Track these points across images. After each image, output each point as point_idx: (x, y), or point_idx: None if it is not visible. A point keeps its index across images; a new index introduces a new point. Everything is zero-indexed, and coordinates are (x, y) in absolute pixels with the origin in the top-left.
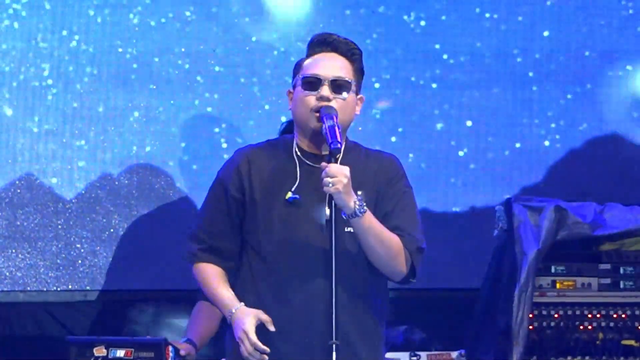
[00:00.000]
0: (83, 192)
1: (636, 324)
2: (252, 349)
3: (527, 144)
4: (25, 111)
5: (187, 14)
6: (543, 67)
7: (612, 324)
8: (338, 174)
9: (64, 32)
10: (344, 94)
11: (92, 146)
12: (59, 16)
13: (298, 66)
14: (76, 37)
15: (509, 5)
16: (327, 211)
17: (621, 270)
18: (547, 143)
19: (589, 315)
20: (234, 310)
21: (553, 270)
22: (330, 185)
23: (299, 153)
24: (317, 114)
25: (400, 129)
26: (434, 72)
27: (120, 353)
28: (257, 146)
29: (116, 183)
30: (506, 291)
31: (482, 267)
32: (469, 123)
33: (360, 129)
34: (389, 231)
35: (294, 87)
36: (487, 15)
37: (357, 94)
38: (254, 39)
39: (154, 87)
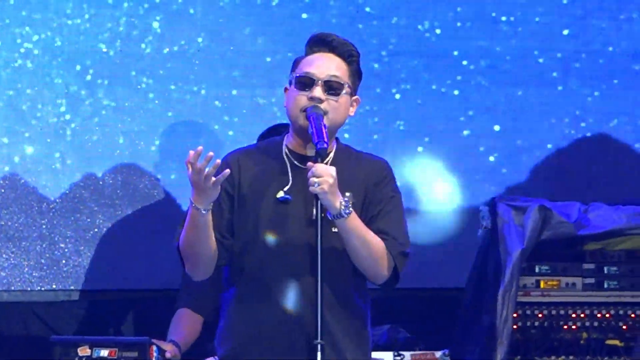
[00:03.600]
0: (67, 192)
1: (620, 323)
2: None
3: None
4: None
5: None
6: (567, 66)
7: (596, 324)
8: (324, 174)
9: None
10: (337, 95)
11: (76, 146)
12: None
13: (295, 63)
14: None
15: (524, 7)
16: (314, 211)
17: (605, 270)
18: (550, 145)
19: (573, 315)
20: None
21: (537, 269)
22: (316, 185)
23: (288, 154)
24: (305, 113)
25: (426, 139)
26: (454, 78)
27: (104, 353)
28: (246, 148)
29: (100, 183)
30: (490, 291)
31: (466, 267)
32: (496, 127)
33: (375, 137)
34: (373, 234)
35: (290, 84)
36: (504, 18)
37: (352, 95)
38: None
39: (140, 87)
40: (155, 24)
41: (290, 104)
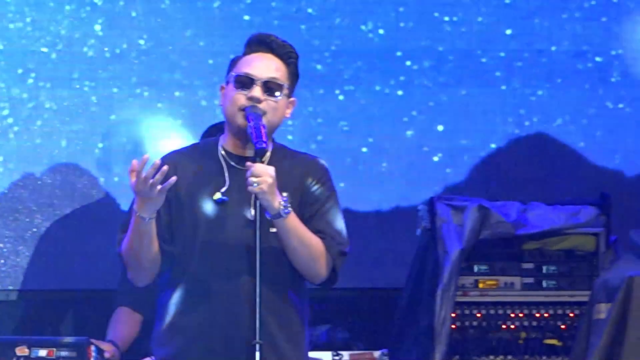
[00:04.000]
0: (6, 191)
1: (559, 323)
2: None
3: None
4: None
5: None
6: (510, 65)
7: (534, 323)
8: (263, 174)
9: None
10: (276, 96)
11: (19, 149)
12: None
13: (233, 62)
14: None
15: (467, 7)
16: (252, 211)
17: (544, 270)
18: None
19: (512, 315)
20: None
21: (476, 269)
22: (255, 185)
23: (224, 155)
24: (244, 113)
25: (370, 139)
26: (398, 79)
27: (43, 353)
28: (182, 150)
29: (39, 182)
30: (429, 291)
31: (405, 267)
32: (440, 128)
33: (319, 137)
34: (311, 234)
35: (227, 83)
36: (446, 18)
37: (289, 97)
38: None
39: (78, 86)
40: (97, 27)
41: (227, 103)
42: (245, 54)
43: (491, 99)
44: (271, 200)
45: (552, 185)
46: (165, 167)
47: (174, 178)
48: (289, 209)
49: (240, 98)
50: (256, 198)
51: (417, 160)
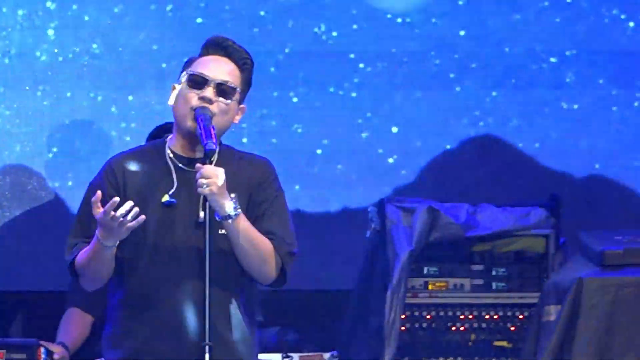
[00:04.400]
0: None
1: (508, 324)
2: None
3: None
4: None
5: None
6: (464, 66)
7: (484, 325)
8: (212, 175)
9: None
10: (228, 99)
11: None
12: None
13: (189, 62)
14: None
15: (420, 8)
16: (202, 213)
17: (493, 272)
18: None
19: (462, 317)
20: (96, 233)
21: (425, 271)
22: (205, 186)
23: (172, 157)
24: (194, 113)
25: (325, 141)
26: (352, 81)
27: None
28: (129, 152)
29: None
30: (378, 292)
31: (355, 268)
32: (394, 129)
33: (274, 140)
34: (260, 235)
35: (180, 82)
36: (399, 20)
37: (240, 102)
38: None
39: (28, 88)
40: (50, 32)
41: (178, 102)
42: (201, 55)
43: (445, 100)
44: (221, 201)
45: (504, 187)
46: (142, 217)
47: (142, 217)
48: (239, 210)
49: (192, 97)
50: (205, 200)
51: (372, 162)
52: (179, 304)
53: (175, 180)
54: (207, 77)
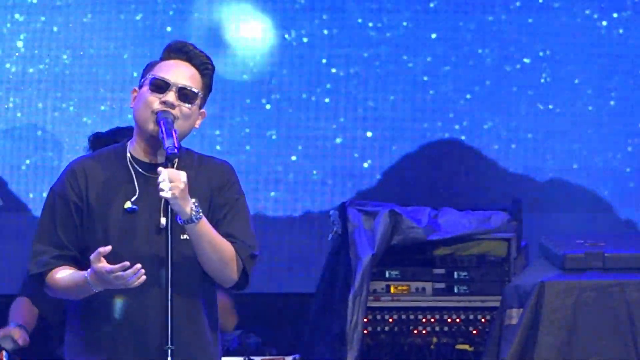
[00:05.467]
0: None
1: (470, 328)
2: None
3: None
4: None
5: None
6: (437, 69)
7: (446, 328)
8: (175, 179)
9: None
10: (189, 104)
11: None
12: None
13: (150, 66)
14: None
15: (391, 13)
16: (163, 220)
17: (455, 275)
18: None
19: (423, 320)
20: (86, 275)
21: (387, 274)
22: (167, 190)
23: (133, 162)
24: (156, 117)
25: (299, 147)
26: (324, 86)
27: None
28: (89, 157)
29: None
30: (341, 296)
31: (317, 272)
32: (369, 134)
33: (248, 147)
34: (222, 238)
35: (141, 86)
36: (371, 24)
37: (200, 107)
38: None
39: (7, 106)
40: (19, 43)
41: (140, 105)
42: (162, 59)
43: (420, 103)
44: (183, 205)
45: (462, 191)
46: (143, 278)
47: (143, 278)
48: (200, 214)
49: (154, 101)
50: (167, 206)
51: (348, 167)
52: (142, 311)
53: (137, 186)
54: (168, 82)
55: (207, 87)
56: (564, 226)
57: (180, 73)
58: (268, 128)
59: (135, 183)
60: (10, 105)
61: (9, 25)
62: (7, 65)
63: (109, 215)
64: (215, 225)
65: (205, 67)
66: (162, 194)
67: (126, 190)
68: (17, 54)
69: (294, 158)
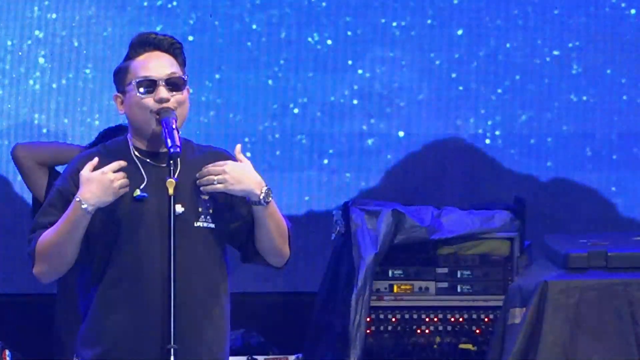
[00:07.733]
0: None
1: (473, 327)
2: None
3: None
4: None
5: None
6: (465, 66)
7: (449, 328)
8: (219, 172)
9: None
10: (180, 90)
11: None
12: None
13: (123, 70)
14: None
15: (415, 11)
16: (178, 207)
17: (458, 274)
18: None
19: (427, 319)
20: (77, 198)
21: (390, 274)
22: (215, 182)
23: (137, 153)
24: (158, 116)
25: (331, 151)
26: (352, 88)
27: None
28: (94, 151)
29: None
30: (343, 295)
31: (320, 271)
32: (401, 133)
33: (278, 152)
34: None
35: (124, 92)
36: (394, 24)
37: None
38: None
39: (28, 119)
40: (41, 60)
41: (135, 110)
42: (131, 57)
43: (448, 100)
44: (249, 186)
45: (465, 190)
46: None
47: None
48: (270, 197)
49: (149, 101)
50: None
51: (382, 168)
52: (154, 303)
53: (144, 174)
54: (154, 78)
55: (184, 64)
56: (566, 227)
57: (159, 64)
58: (297, 132)
59: (142, 171)
60: (36, 122)
61: (29, 42)
62: (31, 82)
63: (119, 205)
64: (237, 205)
65: (174, 47)
66: (211, 187)
67: (134, 179)
68: (39, 71)
69: (325, 162)
